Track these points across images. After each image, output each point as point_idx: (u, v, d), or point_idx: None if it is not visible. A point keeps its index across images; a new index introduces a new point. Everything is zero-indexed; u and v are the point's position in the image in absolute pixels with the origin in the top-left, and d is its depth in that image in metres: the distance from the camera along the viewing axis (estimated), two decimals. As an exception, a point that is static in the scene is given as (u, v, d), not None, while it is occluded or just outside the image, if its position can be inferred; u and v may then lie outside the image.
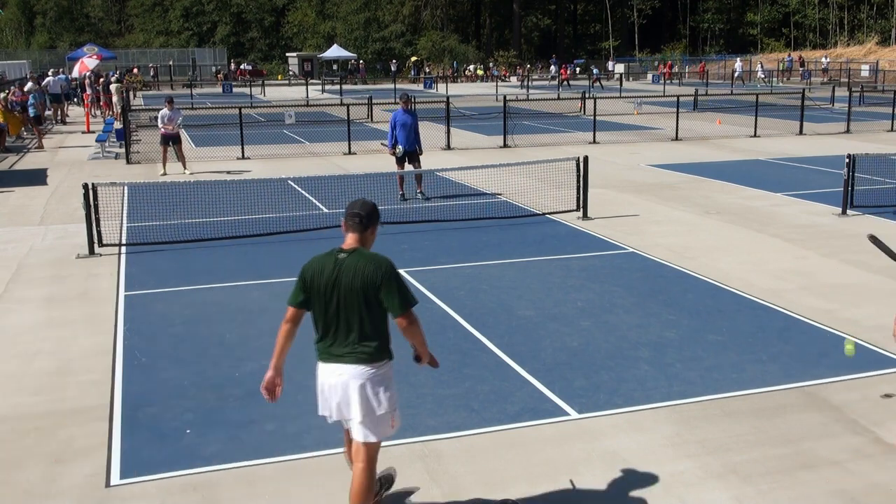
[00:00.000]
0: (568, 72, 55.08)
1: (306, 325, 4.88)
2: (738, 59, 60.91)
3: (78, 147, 24.35)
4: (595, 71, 57.25)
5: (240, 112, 22.50)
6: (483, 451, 5.91)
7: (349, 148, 22.21)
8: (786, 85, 52.35)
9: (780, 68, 59.72)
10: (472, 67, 68.62)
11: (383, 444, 6.00)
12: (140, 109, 30.54)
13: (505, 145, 23.42)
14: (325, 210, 14.57)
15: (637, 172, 18.65)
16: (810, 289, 9.76)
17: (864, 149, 20.51)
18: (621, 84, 51.24)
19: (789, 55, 63.46)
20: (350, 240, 4.79)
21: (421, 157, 15.64)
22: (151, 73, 62.15)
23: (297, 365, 7.57)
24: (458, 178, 17.37)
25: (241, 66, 66.59)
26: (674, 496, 5.38)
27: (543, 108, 34.58)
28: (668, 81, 55.65)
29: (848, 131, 26.22)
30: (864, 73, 52.42)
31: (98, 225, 11.74)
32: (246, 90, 49.04)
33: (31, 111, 25.41)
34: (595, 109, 25.50)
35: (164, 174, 18.81)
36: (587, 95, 32.83)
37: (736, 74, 56.14)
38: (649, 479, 5.57)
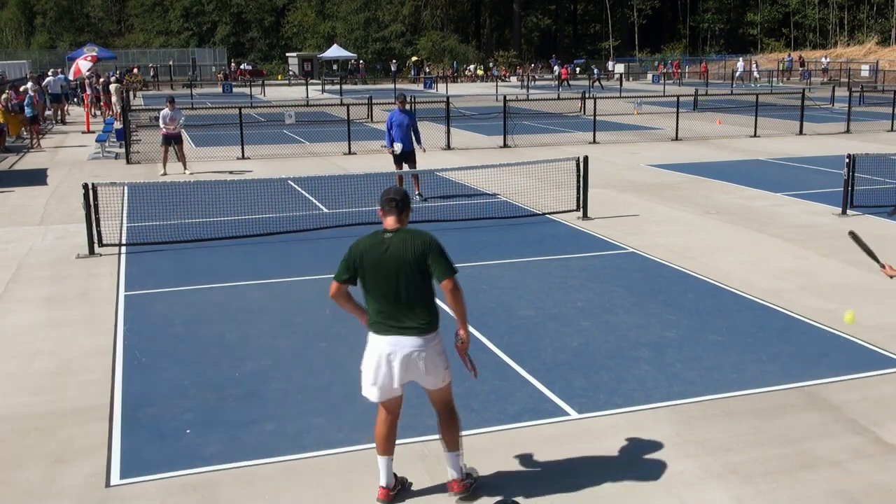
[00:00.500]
0: (568, 72, 55.09)
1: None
2: (740, 58, 60.92)
3: (78, 147, 24.35)
4: (595, 71, 57.27)
5: (240, 112, 22.50)
6: (483, 451, 5.90)
7: (349, 148, 22.21)
8: (786, 85, 52.35)
9: (780, 68, 59.74)
10: (471, 67, 68.61)
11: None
12: (140, 109, 30.54)
13: (505, 145, 23.42)
14: (325, 210, 14.56)
15: (637, 172, 18.65)
16: (810, 289, 9.76)
17: (864, 149, 20.51)
18: (621, 84, 51.26)
19: (789, 55, 63.47)
20: (390, 222, 5.17)
21: (421, 153, 15.60)
22: (151, 73, 62.16)
23: (297, 365, 7.59)
24: (457, 178, 17.37)
25: (241, 66, 66.60)
26: (674, 496, 5.38)
27: (543, 108, 34.58)
28: (676, 81, 55.73)
29: (848, 131, 26.22)
30: (864, 73, 52.42)
31: (98, 225, 11.74)
32: (246, 90, 49.06)
33: (27, 111, 25.33)
34: (595, 109, 25.50)
35: (165, 174, 18.81)
36: (587, 95, 32.83)
37: (737, 74, 56.15)
38: (649, 479, 5.57)
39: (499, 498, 5.31)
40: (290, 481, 5.59)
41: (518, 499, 5.32)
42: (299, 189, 16.16)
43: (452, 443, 5.29)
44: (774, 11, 76.77)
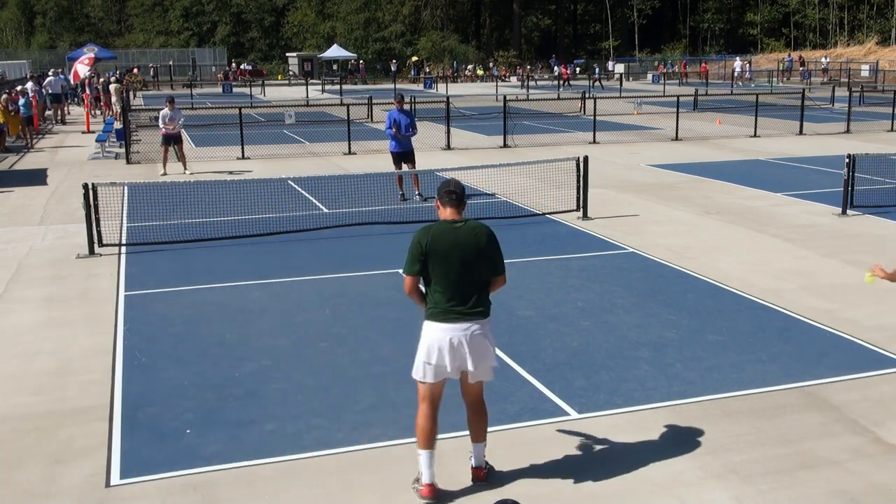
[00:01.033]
0: (568, 71, 55.10)
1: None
2: (738, 58, 60.92)
3: (78, 147, 24.36)
4: (596, 70, 57.26)
5: (240, 112, 22.50)
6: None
7: (349, 148, 22.21)
8: (786, 85, 52.35)
9: (781, 68, 59.73)
10: (470, 67, 68.58)
11: (383, 444, 6.04)
12: (140, 109, 30.54)
13: (505, 145, 23.42)
14: (325, 210, 14.56)
15: (637, 172, 18.65)
16: (810, 289, 9.76)
17: (864, 149, 20.51)
18: (621, 84, 51.25)
19: (789, 55, 63.46)
20: (451, 213, 5.38)
21: (417, 142, 15.59)
22: (151, 73, 62.15)
23: (297, 365, 7.59)
24: (457, 178, 17.33)
25: (241, 66, 66.60)
26: (674, 496, 5.38)
27: (543, 108, 34.58)
28: (682, 82, 55.78)
29: (848, 131, 26.22)
30: (864, 73, 52.42)
31: (98, 225, 11.74)
32: (246, 90, 49.05)
33: (22, 111, 25.23)
34: (595, 109, 25.50)
35: (165, 174, 18.81)
36: (587, 95, 32.83)
37: (736, 74, 56.17)
38: (649, 479, 5.57)
39: (499, 498, 5.31)
40: (290, 481, 5.59)
41: (518, 499, 5.32)
42: (299, 189, 16.16)
43: (481, 434, 5.49)
44: (774, 11, 76.76)
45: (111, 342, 8.22)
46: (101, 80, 36.76)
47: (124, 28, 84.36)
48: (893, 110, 26.72)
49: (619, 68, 63.04)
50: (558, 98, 38.54)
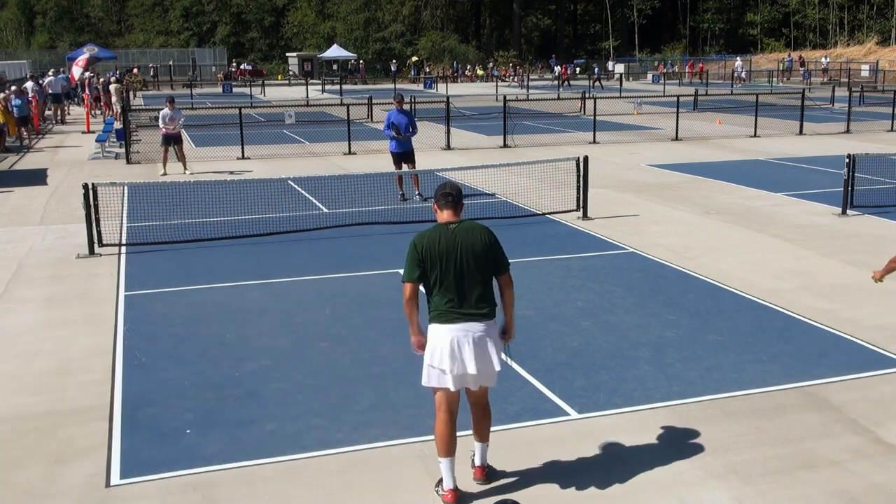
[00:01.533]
0: (568, 71, 55.07)
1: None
2: (738, 58, 60.93)
3: (78, 147, 24.36)
4: (596, 70, 57.24)
5: (240, 112, 22.50)
6: (483, 451, 5.90)
7: (349, 148, 22.21)
8: (786, 85, 52.35)
9: (781, 68, 59.72)
10: (469, 68, 68.53)
11: (383, 444, 6.04)
12: (140, 109, 30.54)
13: (505, 145, 23.42)
14: (325, 210, 14.57)
15: (637, 172, 18.65)
16: (810, 289, 9.76)
17: (864, 149, 20.51)
18: (621, 84, 51.25)
19: (789, 55, 63.45)
20: (448, 215, 5.35)
21: (417, 142, 15.58)
22: (151, 73, 62.15)
23: (297, 365, 7.59)
24: (457, 178, 17.33)
25: (241, 66, 66.60)
26: (674, 496, 5.38)
27: (543, 108, 34.58)
28: (688, 82, 55.80)
29: (848, 131, 26.22)
30: (864, 73, 52.41)
31: (98, 225, 11.74)
32: (246, 90, 49.05)
33: (15, 111, 25.13)
34: (595, 109, 25.50)
35: (165, 174, 18.81)
36: (587, 95, 32.83)
37: (737, 74, 56.16)
38: (649, 479, 5.57)
39: (499, 498, 5.31)
40: (290, 481, 5.59)
41: (518, 499, 5.32)
42: (299, 189, 16.16)
43: (485, 435, 5.52)
44: (774, 11, 76.76)
45: (111, 342, 8.22)
46: (101, 80, 36.75)
47: (124, 28, 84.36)
48: (893, 110, 26.72)
49: (619, 68, 63.04)
50: (558, 98, 38.54)
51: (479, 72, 66.67)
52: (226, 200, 15.07)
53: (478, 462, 5.56)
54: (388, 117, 15.28)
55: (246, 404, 6.75)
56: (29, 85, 29.43)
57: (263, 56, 77.48)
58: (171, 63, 66.43)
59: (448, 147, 22.97)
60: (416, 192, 15.32)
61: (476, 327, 5.22)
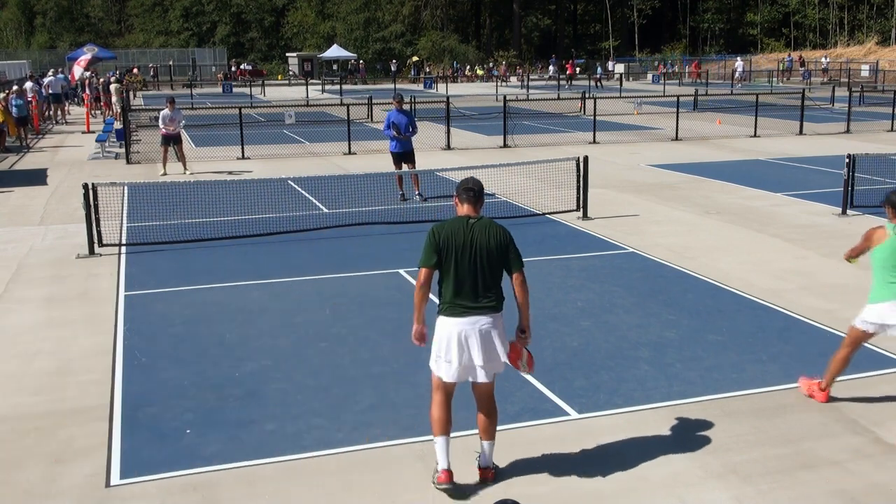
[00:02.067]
0: (574, 68, 55.16)
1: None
2: (739, 58, 60.91)
3: (78, 147, 24.36)
4: (598, 70, 57.25)
5: (240, 112, 22.50)
6: (483, 451, 5.90)
7: (349, 148, 22.21)
8: (786, 85, 52.34)
9: (780, 68, 59.70)
10: (469, 68, 68.49)
11: (383, 444, 6.04)
12: (140, 109, 30.54)
13: (505, 145, 23.42)
14: (325, 210, 14.56)
15: (637, 172, 18.65)
16: (810, 289, 9.76)
17: (864, 149, 20.51)
18: (621, 84, 51.24)
19: (789, 55, 63.43)
20: (468, 209, 5.48)
21: (417, 142, 15.58)
22: (151, 73, 62.13)
23: (297, 365, 7.59)
24: (458, 178, 17.32)
25: (241, 66, 66.59)
26: (674, 496, 5.38)
27: (543, 108, 34.58)
28: (694, 81, 55.80)
29: (848, 131, 26.22)
30: (864, 73, 52.40)
31: (98, 225, 11.74)
32: (246, 90, 49.03)
33: (13, 112, 25.08)
34: (595, 109, 25.50)
35: (165, 174, 18.81)
36: (587, 95, 32.83)
37: (737, 74, 56.13)
38: (649, 479, 5.57)
39: (499, 498, 5.31)
40: (290, 481, 5.59)
41: (518, 499, 5.32)
42: (299, 189, 16.16)
43: (492, 433, 5.55)
44: (774, 11, 76.73)
45: (111, 342, 8.22)
46: (101, 80, 36.75)
47: (124, 28, 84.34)
48: (893, 110, 26.71)
49: (619, 68, 63.02)
50: (558, 98, 38.54)
51: (479, 72, 66.65)
52: (226, 200, 15.07)
53: (484, 462, 5.59)
54: (388, 117, 15.28)
55: (246, 404, 6.75)
56: (28, 85, 29.40)
57: (263, 56, 77.46)
58: (171, 63, 66.41)
59: (448, 147, 22.97)
60: (417, 192, 15.31)
61: (483, 320, 5.33)
